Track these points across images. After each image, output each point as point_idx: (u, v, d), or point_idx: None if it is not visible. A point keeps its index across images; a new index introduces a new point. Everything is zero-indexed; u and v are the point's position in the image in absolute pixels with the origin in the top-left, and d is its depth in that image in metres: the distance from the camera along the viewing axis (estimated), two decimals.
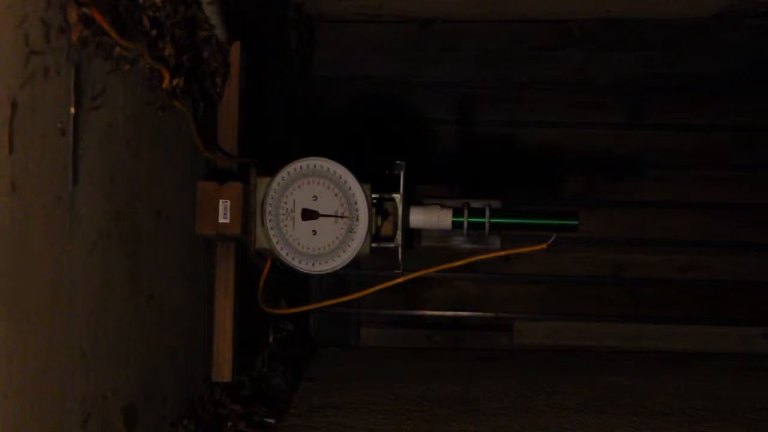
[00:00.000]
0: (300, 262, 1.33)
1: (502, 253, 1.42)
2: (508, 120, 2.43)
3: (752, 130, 2.40)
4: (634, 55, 2.40)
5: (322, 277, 2.39)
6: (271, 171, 1.34)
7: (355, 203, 1.32)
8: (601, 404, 1.72)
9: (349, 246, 1.32)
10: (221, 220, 1.32)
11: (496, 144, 2.43)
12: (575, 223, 1.37)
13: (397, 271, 1.35)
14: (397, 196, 1.36)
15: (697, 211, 2.40)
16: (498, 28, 2.41)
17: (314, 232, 1.32)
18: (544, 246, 1.34)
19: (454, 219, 1.37)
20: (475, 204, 1.38)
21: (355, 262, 1.36)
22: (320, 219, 1.32)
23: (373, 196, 1.35)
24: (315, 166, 1.33)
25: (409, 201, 1.39)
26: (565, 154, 2.42)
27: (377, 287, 1.41)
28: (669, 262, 2.41)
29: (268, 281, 1.50)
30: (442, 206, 1.38)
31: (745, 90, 2.39)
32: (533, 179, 2.41)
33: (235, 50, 1.44)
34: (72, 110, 0.88)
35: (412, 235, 1.43)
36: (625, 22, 2.37)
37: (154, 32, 1.10)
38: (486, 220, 1.36)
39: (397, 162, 1.35)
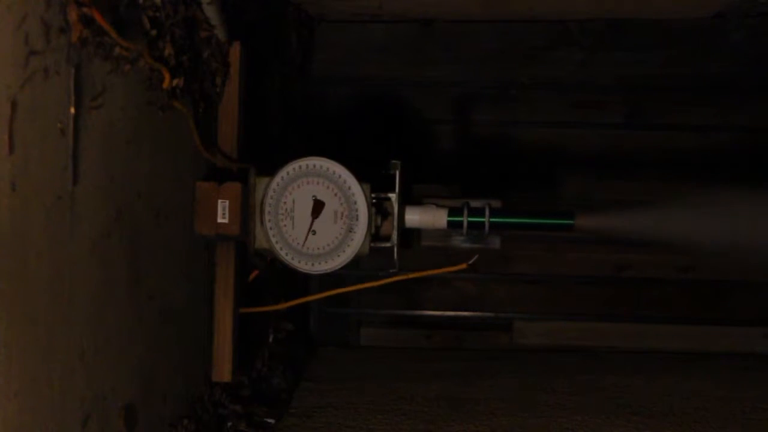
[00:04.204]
0: (299, 262, 1.33)
1: (420, 274, 1.42)
2: (508, 120, 2.43)
3: (752, 130, 2.40)
4: (634, 55, 2.39)
5: (321, 277, 2.39)
6: (271, 171, 1.34)
7: (355, 203, 1.32)
8: (601, 404, 1.72)
9: (348, 246, 1.32)
10: (220, 220, 1.32)
11: (496, 144, 2.43)
12: (571, 222, 1.38)
13: (393, 270, 1.35)
14: (393, 196, 1.36)
15: None
16: (498, 28, 2.40)
17: (314, 232, 1.32)
18: (464, 266, 1.35)
19: (450, 218, 1.37)
20: (475, 203, 1.38)
21: (355, 262, 1.36)
22: (320, 219, 1.32)
23: (372, 195, 1.34)
24: (314, 165, 1.33)
25: (405, 200, 1.38)
26: (565, 154, 2.42)
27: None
28: (669, 262, 2.41)
29: (267, 281, 1.50)
30: (438, 206, 1.38)
31: (745, 90, 2.38)
32: (533, 179, 2.41)
33: (235, 50, 1.45)
34: (72, 110, 0.88)
35: (410, 234, 1.43)
36: (625, 22, 2.37)
37: (154, 32, 1.10)
38: (486, 219, 1.36)
39: (393, 161, 1.35)
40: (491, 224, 1.36)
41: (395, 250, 1.36)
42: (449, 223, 1.37)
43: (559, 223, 1.39)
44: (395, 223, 1.36)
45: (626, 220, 1.33)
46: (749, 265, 2.36)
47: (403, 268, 1.37)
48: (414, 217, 1.38)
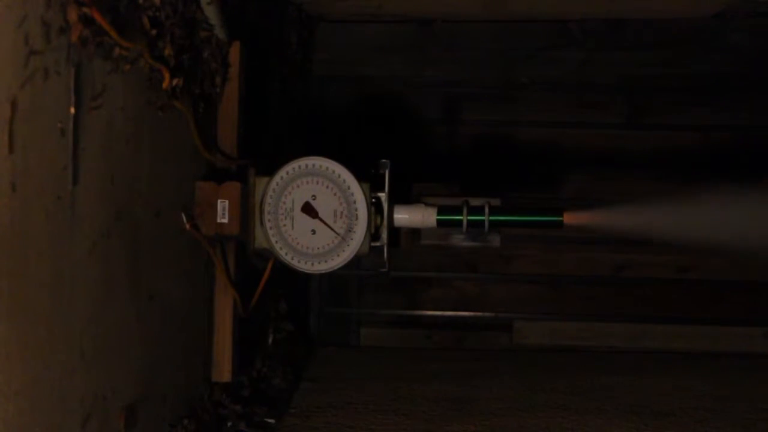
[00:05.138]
0: (299, 261, 1.33)
1: None
2: (507, 120, 2.43)
3: (752, 130, 2.40)
4: (634, 55, 2.39)
5: (321, 277, 2.39)
6: (270, 170, 1.34)
7: (354, 202, 1.32)
8: (601, 404, 1.72)
9: (348, 245, 1.32)
10: (219, 219, 1.32)
11: (495, 143, 2.43)
12: (560, 218, 1.38)
13: (383, 270, 1.35)
14: (383, 195, 1.35)
15: None
16: (498, 28, 2.40)
17: (313, 232, 1.32)
18: None
19: (439, 217, 1.37)
20: (474, 202, 1.38)
21: (355, 261, 1.36)
22: (319, 218, 1.32)
23: (372, 195, 1.34)
24: (314, 165, 1.33)
25: (401, 199, 1.38)
26: (564, 154, 2.42)
27: None
28: (669, 262, 2.41)
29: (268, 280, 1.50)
30: (427, 204, 1.38)
31: (745, 90, 2.39)
32: (533, 179, 2.41)
33: (235, 50, 1.45)
34: (72, 110, 0.88)
35: (398, 234, 1.43)
36: (625, 22, 2.37)
37: (154, 32, 1.10)
38: (486, 217, 1.36)
39: (383, 160, 1.35)
40: (481, 222, 1.36)
41: (385, 249, 1.35)
42: (438, 222, 1.37)
43: (548, 220, 1.39)
44: (385, 222, 1.36)
45: (615, 217, 1.34)
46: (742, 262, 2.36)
47: (404, 267, 1.37)
48: (402, 216, 1.38)
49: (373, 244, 1.36)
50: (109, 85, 0.98)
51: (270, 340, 1.89)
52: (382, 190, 1.35)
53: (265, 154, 1.63)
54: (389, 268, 1.36)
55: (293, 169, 1.33)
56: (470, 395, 1.79)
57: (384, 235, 1.36)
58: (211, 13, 1.31)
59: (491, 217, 1.36)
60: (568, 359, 2.27)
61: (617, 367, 2.12)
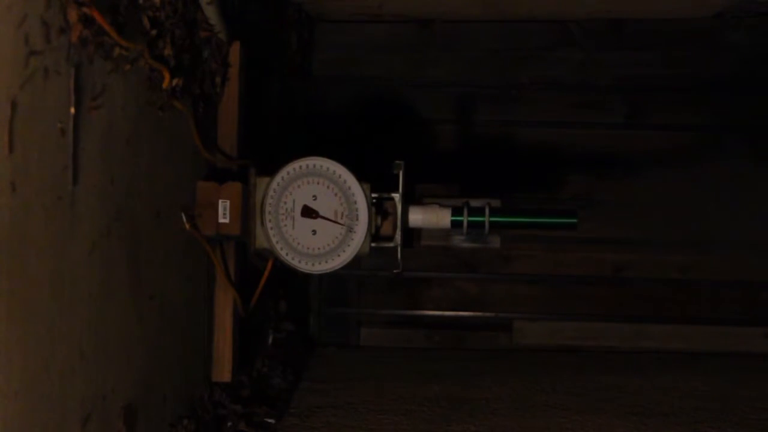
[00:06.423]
0: (300, 261, 1.33)
1: None
2: (507, 120, 2.43)
3: (752, 130, 2.40)
4: (634, 55, 2.39)
5: (321, 277, 2.39)
6: (271, 171, 1.34)
7: (355, 203, 1.32)
8: (601, 404, 1.72)
9: (348, 245, 1.32)
10: (221, 220, 1.32)
11: (495, 144, 2.43)
12: (574, 221, 1.37)
13: (396, 271, 1.35)
14: (396, 196, 1.36)
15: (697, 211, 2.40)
16: (498, 28, 2.40)
17: (314, 232, 1.32)
18: None
19: (453, 218, 1.37)
20: (475, 203, 1.38)
21: (356, 262, 1.36)
22: (320, 218, 1.32)
23: (373, 195, 1.34)
24: (315, 165, 1.33)
25: (408, 200, 1.38)
26: (564, 154, 2.42)
27: None
28: (669, 262, 2.41)
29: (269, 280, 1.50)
30: (441, 205, 1.38)
31: (745, 90, 2.38)
32: (533, 179, 2.41)
33: (235, 50, 1.45)
34: (72, 110, 0.88)
35: (411, 234, 1.43)
36: (625, 22, 2.37)
37: (154, 32, 1.10)
38: (486, 219, 1.35)
39: (396, 161, 1.35)
40: (493, 224, 1.36)
41: (399, 249, 1.36)
42: (453, 222, 1.37)
43: (562, 222, 1.38)
44: (398, 223, 1.36)
45: None
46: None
47: (404, 266, 1.37)
48: (417, 216, 1.38)
49: (386, 245, 1.36)
50: (109, 85, 0.98)
51: (270, 340, 1.89)
52: (392, 190, 1.35)
53: (266, 154, 1.63)
54: (402, 268, 1.36)
55: (294, 169, 1.33)
56: (470, 395, 1.79)
57: (398, 235, 1.36)
58: (211, 13, 1.31)
59: (502, 218, 1.36)
60: (568, 359, 2.27)
61: (617, 367, 2.12)
